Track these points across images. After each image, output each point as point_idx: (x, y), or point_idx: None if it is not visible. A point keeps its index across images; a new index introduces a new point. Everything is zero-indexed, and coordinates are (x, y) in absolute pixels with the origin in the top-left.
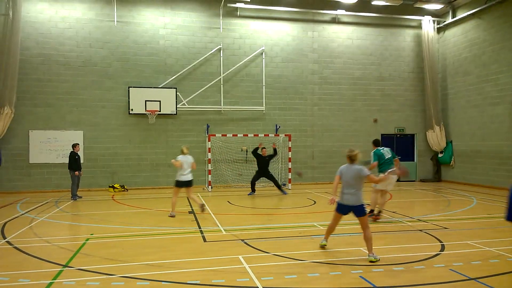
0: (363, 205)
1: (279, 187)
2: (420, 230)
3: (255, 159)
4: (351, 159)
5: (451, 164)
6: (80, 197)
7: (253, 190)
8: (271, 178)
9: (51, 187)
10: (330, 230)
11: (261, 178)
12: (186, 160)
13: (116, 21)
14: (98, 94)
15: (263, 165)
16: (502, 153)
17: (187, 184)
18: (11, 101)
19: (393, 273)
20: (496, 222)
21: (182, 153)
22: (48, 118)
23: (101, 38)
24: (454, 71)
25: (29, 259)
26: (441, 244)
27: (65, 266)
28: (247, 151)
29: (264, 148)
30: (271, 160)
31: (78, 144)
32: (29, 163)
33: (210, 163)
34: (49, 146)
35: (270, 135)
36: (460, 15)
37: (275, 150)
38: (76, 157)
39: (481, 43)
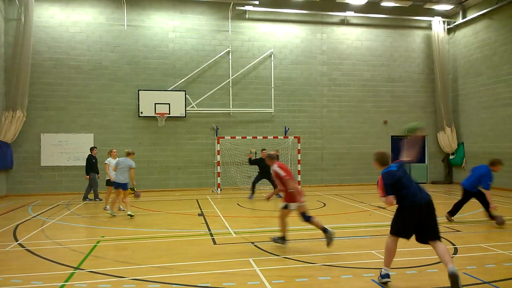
0: None
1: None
2: None
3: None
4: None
5: (462, 165)
6: (101, 199)
7: (253, 192)
8: (273, 181)
9: (62, 190)
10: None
11: (263, 180)
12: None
13: (126, 25)
14: (108, 97)
15: (265, 167)
16: None
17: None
18: (23, 104)
19: (405, 277)
20: (510, 225)
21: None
22: (59, 122)
23: (111, 42)
24: (465, 72)
25: (41, 261)
26: (454, 247)
27: (76, 268)
28: (256, 153)
29: (264, 149)
30: None
31: (96, 148)
32: (41, 166)
33: (219, 165)
34: (60, 149)
35: (279, 137)
36: (471, 15)
37: (277, 156)
38: (94, 160)
39: (492, 44)
